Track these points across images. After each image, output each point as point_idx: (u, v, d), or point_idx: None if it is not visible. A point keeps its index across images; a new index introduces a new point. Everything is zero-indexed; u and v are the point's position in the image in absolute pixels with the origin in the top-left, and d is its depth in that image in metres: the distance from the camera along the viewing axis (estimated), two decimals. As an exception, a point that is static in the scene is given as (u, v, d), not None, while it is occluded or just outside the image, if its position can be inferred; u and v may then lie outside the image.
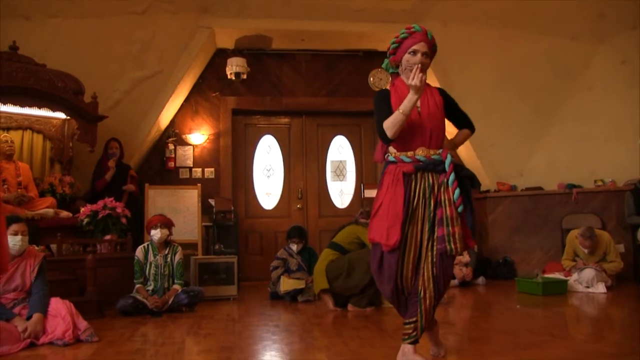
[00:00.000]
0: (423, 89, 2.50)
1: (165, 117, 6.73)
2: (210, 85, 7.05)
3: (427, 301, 2.56)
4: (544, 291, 5.11)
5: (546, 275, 5.58)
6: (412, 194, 2.56)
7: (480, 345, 3.27)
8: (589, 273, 5.33)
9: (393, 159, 2.64)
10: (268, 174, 7.40)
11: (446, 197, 2.54)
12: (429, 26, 6.74)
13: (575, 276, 5.45)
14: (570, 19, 6.39)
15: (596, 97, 6.80)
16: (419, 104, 2.61)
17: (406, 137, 2.58)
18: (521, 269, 6.61)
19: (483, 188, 7.19)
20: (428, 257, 2.56)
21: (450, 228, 2.51)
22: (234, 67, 6.68)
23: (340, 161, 7.57)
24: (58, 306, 3.48)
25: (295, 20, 6.44)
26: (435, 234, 2.55)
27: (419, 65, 2.53)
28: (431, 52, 2.67)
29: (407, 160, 2.58)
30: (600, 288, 5.24)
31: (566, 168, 6.87)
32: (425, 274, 2.55)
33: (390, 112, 2.58)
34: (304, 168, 7.41)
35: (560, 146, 6.96)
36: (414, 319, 2.58)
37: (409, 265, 2.56)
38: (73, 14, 5.61)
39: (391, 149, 2.67)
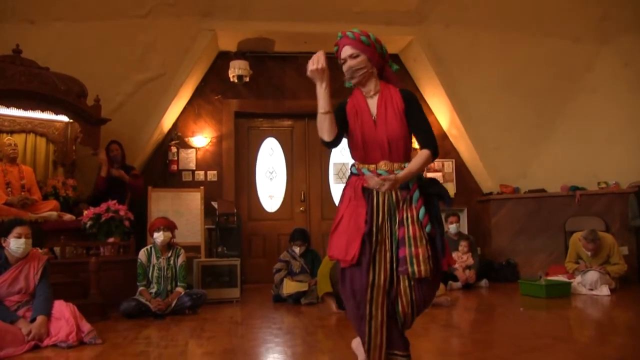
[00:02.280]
0: (324, 75, 2.19)
1: (168, 120, 6.74)
2: (212, 88, 7.06)
3: (407, 327, 2.34)
4: (548, 294, 5.10)
5: (549, 278, 5.57)
6: (375, 210, 2.29)
7: (483, 348, 3.26)
8: (592, 275, 5.32)
9: (355, 171, 2.39)
10: (271, 176, 7.41)
11: (409, 215, 2.27)
12: (431, 29, 6.75)
13: (578, 279, 5.43)
14: (572, 21, 6.39)
15: (599, 100, 6.79)
16: (374, 111, 2.36)
17: (365, 149, 2.34)
18: (524, 271, 6.60)
19: (486, 190, 7.18)
20: (405, 280, 2.26)
21: (412, 249, 2.21)
22: (236, 69, 6.68)
23: (343, 164, 7.56)
24: (62, 309, 3.50)
25: (298, 23, 6.43)
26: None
27: (320, 52, 2.19)
28: (363, 47, 2.34)
29: (368, 174, 2.28)
30: (604, 290, 5.22)
31: (569, 170, 6.86)
32: (404, 298, 2.26)
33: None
34: (307, 170, 7.42)
35: (563, 148, 6.96)
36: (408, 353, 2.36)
37: (379, 290, 2.25)
38: (76, 18, 5.63)
39: (355, 159, 2.42)
